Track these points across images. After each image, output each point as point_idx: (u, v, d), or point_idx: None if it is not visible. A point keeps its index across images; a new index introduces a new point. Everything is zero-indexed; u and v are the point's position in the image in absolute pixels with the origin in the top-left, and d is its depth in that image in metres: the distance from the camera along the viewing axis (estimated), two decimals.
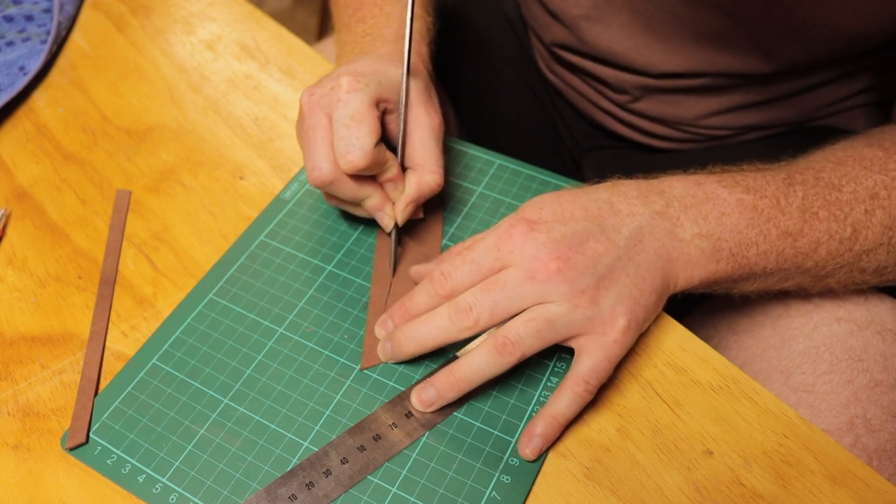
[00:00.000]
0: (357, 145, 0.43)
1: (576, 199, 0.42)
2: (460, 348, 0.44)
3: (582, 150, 0.73)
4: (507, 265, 0.41)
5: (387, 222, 0.48)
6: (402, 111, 0.46)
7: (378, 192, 0.47)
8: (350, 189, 0.45)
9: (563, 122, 0.74)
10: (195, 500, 0.39)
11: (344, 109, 0.44)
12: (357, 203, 0.47)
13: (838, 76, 0.58)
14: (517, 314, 0.40)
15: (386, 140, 0.48)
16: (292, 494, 0.39)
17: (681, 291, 0.43)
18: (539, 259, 0.40)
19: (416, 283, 0.47)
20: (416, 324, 0.42)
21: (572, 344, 0.41)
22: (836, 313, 0.49)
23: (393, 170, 0.46)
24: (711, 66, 0.57)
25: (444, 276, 0.42)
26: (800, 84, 0.58)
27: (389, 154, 0.46)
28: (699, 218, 0.43)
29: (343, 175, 0.45)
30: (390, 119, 0.48)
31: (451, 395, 0.41)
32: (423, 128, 0.47)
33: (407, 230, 0.51)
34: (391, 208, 0.47)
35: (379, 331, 0.45)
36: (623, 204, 0.43)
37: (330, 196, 0.49)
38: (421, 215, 0.51)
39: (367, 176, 0.46)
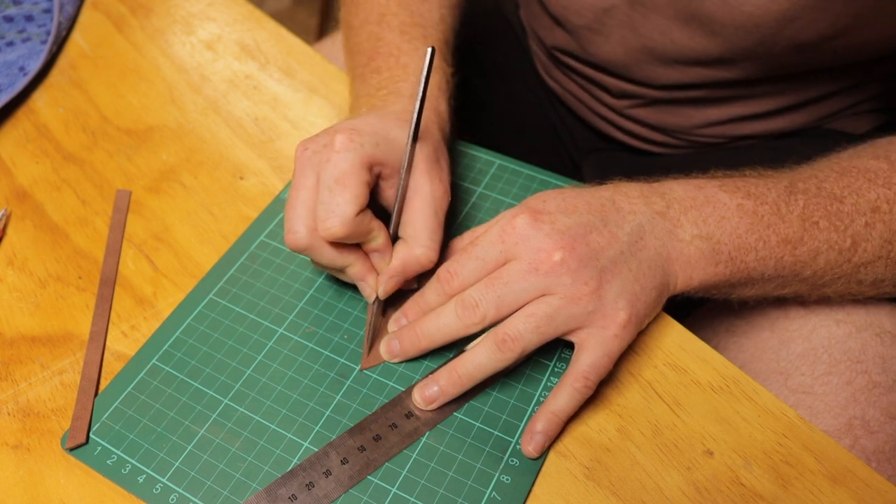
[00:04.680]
0: (337, 212, 0.40)
1: (578, 195, 0.43)
2: (462, 347, 0.44)
3: (581, 152, 0.73)
4: (511, 258, 0.41)
5: (368, 293, 0.45)
6: (403, 177, 0.43)
7: (361, 261, 0.44)
8: (328, 256, 0.43)
9: (562, 125, 0.74)
10: (195, 500, 0.39)
11: (331, 171, 0.41)
12: (340, 270, 0.45)
13: (841, 88, 0.58)
14: (522, 307, 0.40)
15: (381, 206, 0.45)
16: (292, 495, 0.39)
17: (680, 293, 0.44)
18: (543, 250, 0.40)
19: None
20: (424, 321, 0.42)
21: (572, 338, 0.41)
22: (834, 315, 0.49)
23: (379, 239, 0.43)
24: (711, 80, 0.57)
25: (451, 275, 0.42)
26: (802, 96, 0.58)
27: (376, 223, 0.43)
28: (699, 220, 0.43)
29: (321, 241, 0.42)
30: (388, 185, 0.45)
31: (454, 392, 0.41)
32: (422, 197, 0.43)
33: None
34: (374, 279, 0.44)
35: (392, 327, 0.45)
36: (625, 202, 0.43)
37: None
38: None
39: (351, 243, 0.43)
